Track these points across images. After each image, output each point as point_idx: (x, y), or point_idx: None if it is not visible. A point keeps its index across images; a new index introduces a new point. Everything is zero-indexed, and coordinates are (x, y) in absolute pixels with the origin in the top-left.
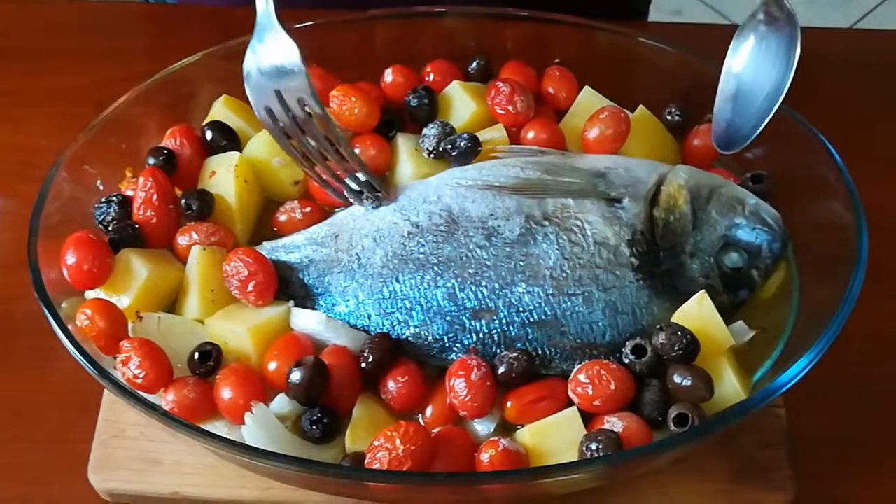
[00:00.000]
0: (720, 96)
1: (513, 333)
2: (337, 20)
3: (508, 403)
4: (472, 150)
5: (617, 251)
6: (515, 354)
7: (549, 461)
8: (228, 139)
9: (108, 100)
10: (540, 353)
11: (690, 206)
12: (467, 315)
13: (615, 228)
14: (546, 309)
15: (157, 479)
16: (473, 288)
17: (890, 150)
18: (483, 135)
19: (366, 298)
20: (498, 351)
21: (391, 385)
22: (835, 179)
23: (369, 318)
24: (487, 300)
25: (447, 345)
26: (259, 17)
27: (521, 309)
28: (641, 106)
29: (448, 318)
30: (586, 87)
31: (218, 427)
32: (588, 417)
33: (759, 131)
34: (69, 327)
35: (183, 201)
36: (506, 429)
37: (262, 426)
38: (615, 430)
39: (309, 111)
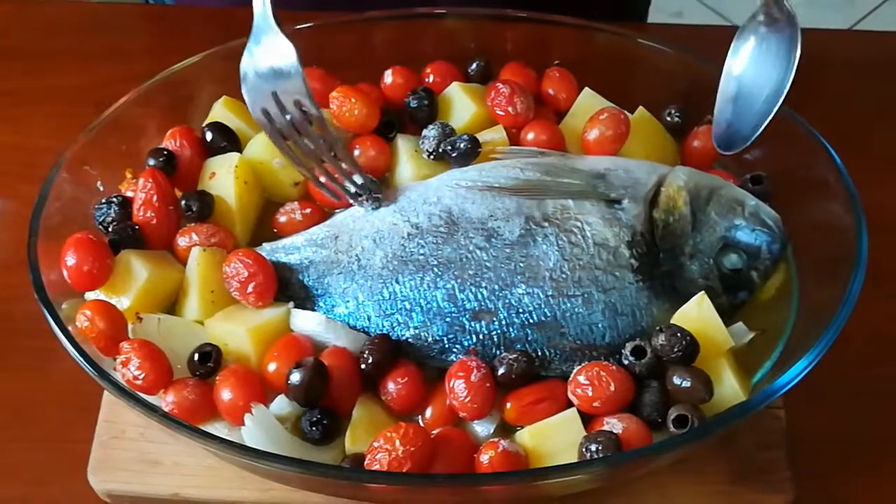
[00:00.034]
0: (721, 97)
1: (512, 335)
2: (337, 21)
3: (508, 405)
4: (471, 152)
5: (616, 252)
6: (515, 356)
7: (549, 462)
8: (228, 140)
9: (108, 100)
10: (539, 354)
11: (690, 208)
12: (467, 316)
13: (615, 230)
14: (546, 310)
15: (157, 481)
16: (473, 289)
17: (890, 151)
18: (483, 136)
19: (365, 300)
20: (498, 352)
21: (391, 386)
22: (834, 181)
23: (369, 319)
24: (487, 301)
25: (447, 346)
26: (256, 18)
27: (520, 310)
28: (641, 107)
29: (448, 320)
30: (586, 89)
31: (218, 428)
32: (588, 419)
33: (759, 132)
34: (69, 328)
35: (183, 202)
36: (505, 430)
37: (261, 427)
38: (615, 431)
39: (306, 112)
